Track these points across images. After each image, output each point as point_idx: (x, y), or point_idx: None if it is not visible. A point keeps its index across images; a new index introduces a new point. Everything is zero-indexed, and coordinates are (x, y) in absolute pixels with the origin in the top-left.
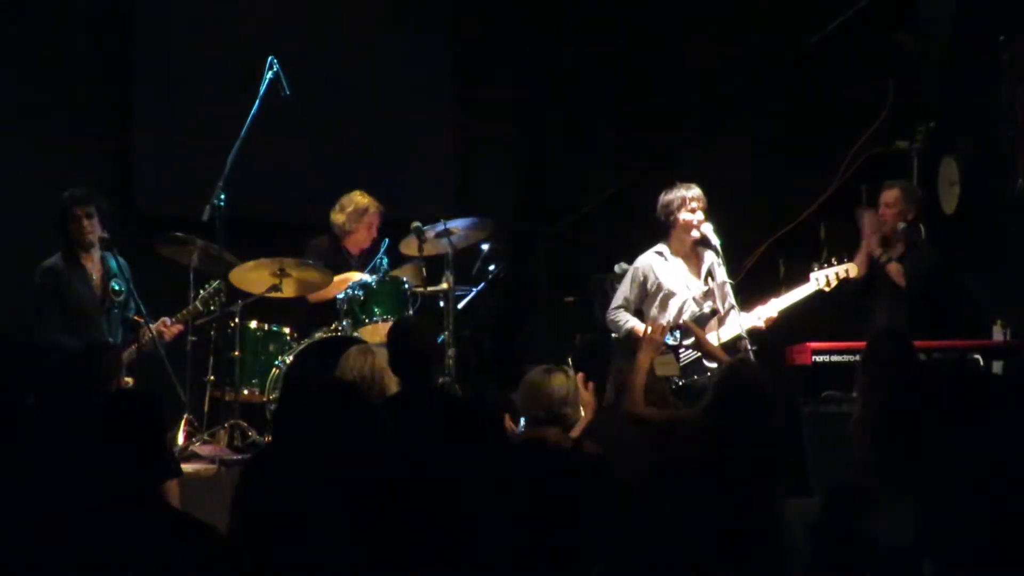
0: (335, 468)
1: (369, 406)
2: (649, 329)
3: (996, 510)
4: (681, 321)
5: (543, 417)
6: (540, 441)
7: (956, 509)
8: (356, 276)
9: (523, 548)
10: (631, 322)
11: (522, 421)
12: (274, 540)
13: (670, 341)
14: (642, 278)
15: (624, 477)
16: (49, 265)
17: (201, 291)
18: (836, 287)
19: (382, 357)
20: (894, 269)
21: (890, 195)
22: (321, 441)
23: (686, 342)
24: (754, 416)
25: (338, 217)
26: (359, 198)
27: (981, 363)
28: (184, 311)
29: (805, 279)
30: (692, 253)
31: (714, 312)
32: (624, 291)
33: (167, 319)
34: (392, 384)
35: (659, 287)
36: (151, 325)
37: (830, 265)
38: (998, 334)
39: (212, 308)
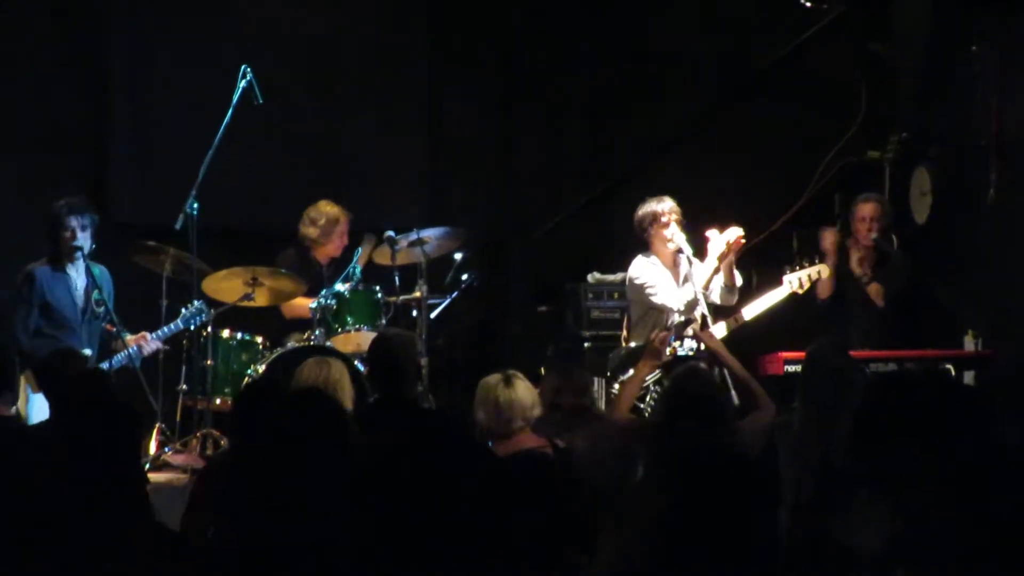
0: (299, 477)
1: (339, 414)
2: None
3: (969, 516)
4: (690, 330)
5: (520, 426)
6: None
7: (928, 517)
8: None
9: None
10: (688, 289)
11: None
12: (232, 545)
13: (667, 351)
14: (652, 268)
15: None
16: (31, 270)
17: (184, 310)
18: (809, 288)
19: (336, 369)
20: (874, 290)
21: (867, 208)
22: (284, 448)
23: (683, 350)
24: (703, 423)
25: (310, 230)
26: (328, 208)
27: (952, 373)
28: (166, 330)
29: (778, 283)
30: (673, 263)
31: (689, 321)
32: (655, 279)
33: (147, 333)
34: (347, 396)
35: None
36: (128, 337)
37: (802, 267)
38: (969, 344)
39: (194, 327)
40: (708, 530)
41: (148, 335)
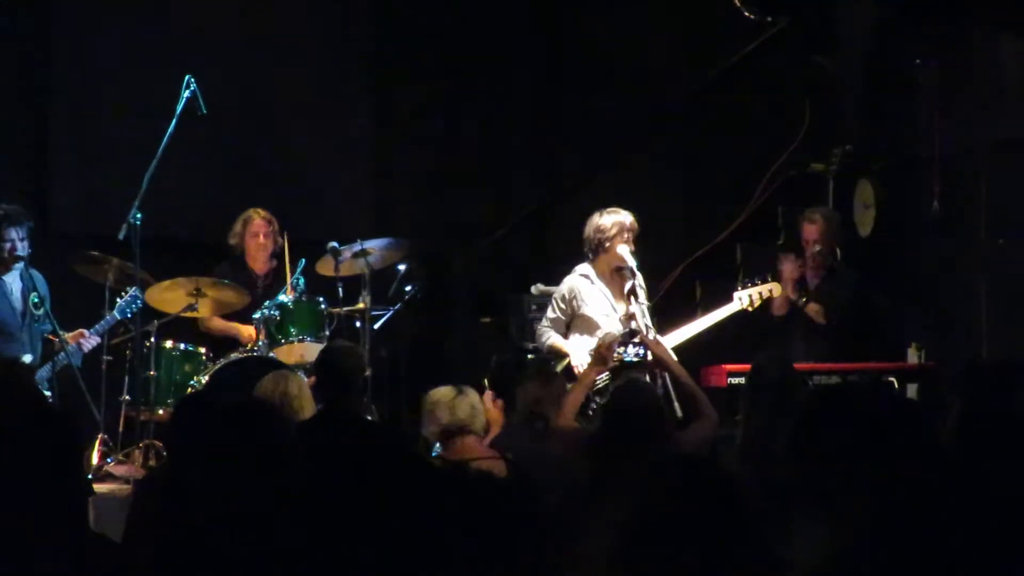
0: (239, 488)
1: (279, 426)
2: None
3: (909, 530)
4: (637, 338)
5: (475, 432)
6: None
7: (869, 530)
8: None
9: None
10: (553, 338)
11: (437, 447)
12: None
13: (613, 357)
14: (571, 299)
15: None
16: None
17: (118, 299)
18: (759, 307)
19: (295, 383)
20: (813, 310)
21: (812, 230)
22: (216, 460)
23: (629, 356)
24: (642, 435)
25: (230, 236)
26: (247, 212)
27: (896, 386)
28: (104, 324)
29: (728, 299)
30: (615, 275)
31: (634, 333)
32: (553, 312)
33: (85, 330)
34: (305, 410)
35: (584, 312)
36: (67, 335)
37: (753, 284)
38: (912, 357)
39: (130, 315)
40: (677, 541)
41: (86, 331)
